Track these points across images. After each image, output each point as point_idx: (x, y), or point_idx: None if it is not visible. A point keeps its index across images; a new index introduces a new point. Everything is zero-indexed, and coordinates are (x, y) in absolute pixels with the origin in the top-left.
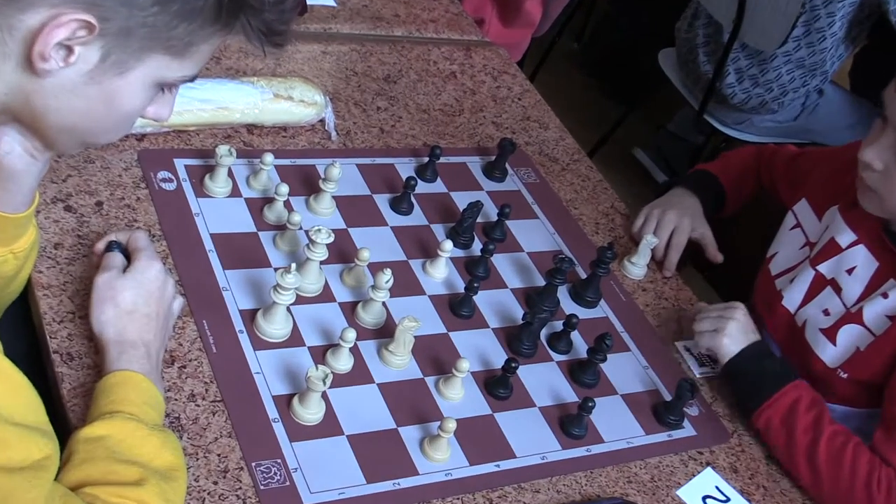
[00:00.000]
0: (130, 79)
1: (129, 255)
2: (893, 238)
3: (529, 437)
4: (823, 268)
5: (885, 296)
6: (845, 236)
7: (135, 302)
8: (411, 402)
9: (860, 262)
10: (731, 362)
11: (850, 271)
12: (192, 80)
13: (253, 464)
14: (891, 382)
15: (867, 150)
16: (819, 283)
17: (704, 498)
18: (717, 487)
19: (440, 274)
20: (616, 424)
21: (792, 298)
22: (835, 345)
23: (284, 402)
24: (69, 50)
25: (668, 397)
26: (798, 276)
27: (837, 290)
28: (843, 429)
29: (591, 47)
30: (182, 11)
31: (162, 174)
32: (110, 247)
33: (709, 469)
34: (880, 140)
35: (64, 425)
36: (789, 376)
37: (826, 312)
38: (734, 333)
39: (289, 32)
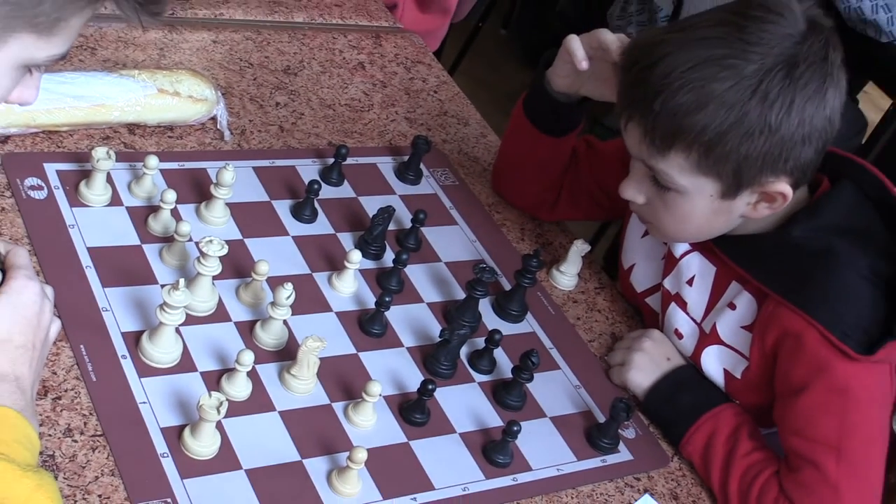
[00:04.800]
0: None
1: (3, 270)
2: (718, 241)
3: (449, 467)
4: (668, 282)
5: (732, 306)
6: (679, 245)
7: (9, 330)
8: (317, 431)
9: (696, 270)
10: (645, 399)
11: (690, 282)
12: (62, 58)
13: None
14: (777, 410)
15: (623, 187)
16: (666, 301)
17: None
18: None
19: (348, 288)
20: (545, 450)
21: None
22: (702, 371)
23: (174, 435)
24: None
25: (602, 419)
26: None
27: (682, 305)
28: (762, 458)
29: (520, 33)
30: None
31: (30, 181)
32: None
33: (647, 497)
34: (630, 174)
35: None
36: (706, 406)
37: (678, 334)
38: (642, 365)
39: (166, 0)
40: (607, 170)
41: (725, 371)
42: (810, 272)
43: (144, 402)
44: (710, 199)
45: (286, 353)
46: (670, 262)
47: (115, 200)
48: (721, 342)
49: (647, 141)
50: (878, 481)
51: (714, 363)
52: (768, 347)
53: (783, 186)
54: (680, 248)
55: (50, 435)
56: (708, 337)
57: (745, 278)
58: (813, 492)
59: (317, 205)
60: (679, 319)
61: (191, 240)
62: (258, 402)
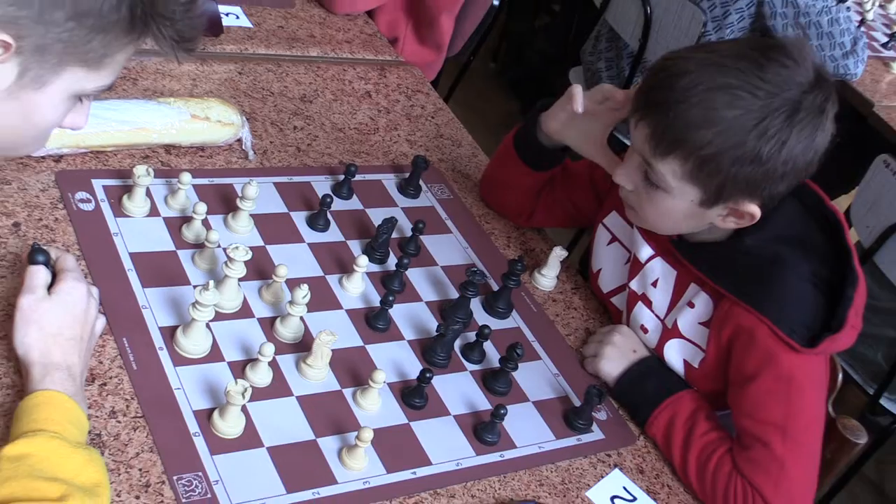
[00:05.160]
0: (49, 93)
1: (54, 272)
2: (679, 248)
3: (444, 445)
4: (634, 284)
5: (691, 305)
6: (644, 250)
7: (60, 325)
8: (329, 414)
9: (660, 273)
10: (615, 386)
11: (654, 284)
12: (108, 88)
13: (174, 477)
14: (730, 396)
15: (618, 172)
16: (633, 300)
17: (612, 498)
18: (624, 488)
19: (356, 288)
20: (528, 430)
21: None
22: (665, 362)
23: (205, 417)
24: None
25: (577, 403)
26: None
27: (648, 303)
28: (717, 437)
29: (508, 66)
30: (97, 25)
31: (80, 195)
32: (35, 256)
33: (616, 470)
34: (627, 163)
35: None
36: (668, 392)
37: (644, 329)
38: (611, 357)
39: (199, 38)
40: (578, 187)
41: (685, 361)
42: (760, 276)
43: (179, 388)
44: (689, 203)
45: (302, 346)
46: (636, 266)
47: (154, 212)
48: (681, 336)
49: (652, 142)
50: (817, 457)
51: (675, 354)
52: (723, 341)
53: (753, 208)
54: (644, 254)
55: (97, 416)
56: (670, 332)
57: (702, 280)
58: (761, 465)
59: (329, 216)
60: (645, 316)
61: (219, 246)
62: (278, 388)
